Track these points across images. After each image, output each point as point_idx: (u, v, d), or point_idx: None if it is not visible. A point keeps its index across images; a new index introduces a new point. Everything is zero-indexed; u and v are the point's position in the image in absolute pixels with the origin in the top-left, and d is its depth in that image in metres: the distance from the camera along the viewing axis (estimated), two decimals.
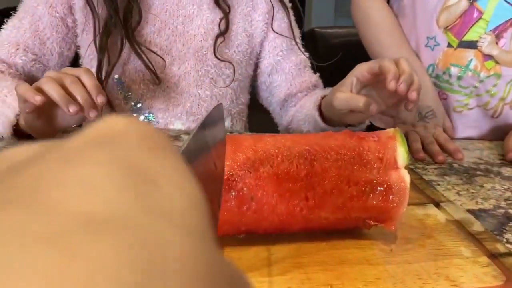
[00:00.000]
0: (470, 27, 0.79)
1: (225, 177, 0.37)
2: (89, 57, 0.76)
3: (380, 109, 0.60)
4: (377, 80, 0.58)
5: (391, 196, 0.36)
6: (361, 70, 0.58)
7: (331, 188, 0.36)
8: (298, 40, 0.87)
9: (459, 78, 0.81)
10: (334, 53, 0.86)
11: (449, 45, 0.81)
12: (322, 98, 0.70)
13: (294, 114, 0.82)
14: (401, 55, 0.81)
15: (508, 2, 0.77)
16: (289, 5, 0.86)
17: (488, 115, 0.83)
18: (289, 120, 0.83)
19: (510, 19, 0.78)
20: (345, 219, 0.38)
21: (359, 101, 0.56)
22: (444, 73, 0.82)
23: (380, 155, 0.37)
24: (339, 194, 0.36)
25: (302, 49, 0.86)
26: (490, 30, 0.78)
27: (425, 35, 0.83)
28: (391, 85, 0.53)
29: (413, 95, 0.54)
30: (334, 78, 0.91)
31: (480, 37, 0.79)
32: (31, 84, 0.67)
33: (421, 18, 0.84)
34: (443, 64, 0.82)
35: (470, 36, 0.80)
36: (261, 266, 0.35)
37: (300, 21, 0.91)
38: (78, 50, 0.78)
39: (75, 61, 0.80)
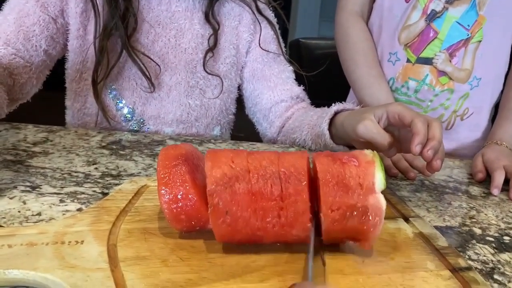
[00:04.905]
0: (427, 45, 0.87)
1: (203, 194, 0.40)
2: (82, 63, 0.77)
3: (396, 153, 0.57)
4: (403, 126, 0.55)
5: (368, 219, 0.39)
6: (395, 110, 0.55)
7: (303, 209, 0.39)
8: (284, 53, 0.88)
9: (416, 91, 0.89)
10: (318, 64, 0.89)
11: (408, 60, 0.89)
12: (335, 114, 0.68)
13: (282, 126, 0.84)
14: (371, 75, 0.88)
15: (461, 25, 0.85)
16: (274, 20, 0.89)
17: (443, 128, 0.89)
18: (276, 131, 0.85)
19: (462, 39, 0.86)
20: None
21: (386, 140, 0.54)
22: (403, 86, 0.90)
23: (361, 181, 0.40)
24: (324, 218, 0.39)
25: (287, 62, 0.88)
26: (444, 49, 0.86)
27: (388, 51, 0.90)
28: (416, 149, 0.51)
29: (437, 163, 0.53)
30: (318, 88, 0.94)
31: (435, 55, 0.86)
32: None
33: (385, 35, 0.90)
34: (402, 77, 0.89)
35: (426, 53, 0.87)
36: (242, 273, 0.38)
37: (285, 31, 0.94)
38: (66, 55, 0.79)
39: (59, 64, 0.81)
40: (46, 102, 1.10)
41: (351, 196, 0.39)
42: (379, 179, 0.40)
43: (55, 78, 0.81)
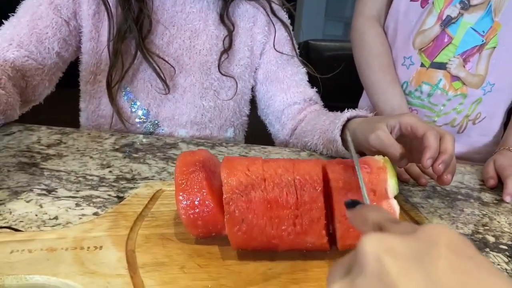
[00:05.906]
0: (441, 50, 0.87)
1: (219, 200, 0.40)
2: (96, 65, 0.77)
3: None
4: (415, 138, 0.54)
5: None
6: (407, 122, 0.54)
7: (318, 216, 0.39)
8: (298, 54, 0.88)
9: (429, 95, 0.89)
10: (327, 65, 0.88)
11: (422, 65, 0.88)
12: (347, 120, 0.67)
13: (295, 128, 0.83)
14: (386, 80, 0.87)
15: (476, 31, 0.84)
16: (288, 21, 0.89)
17: (454, 132, 0.90)
18: (288, 134, 0.85)
19: (476, 45, 0.85)
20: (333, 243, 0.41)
21: (398, 151, 0.53)
22: (416, 90, 0.90)
23: (373, 187, 0.40)
24: (339, 225, 0.39)
25: (301, 64, 0.88)
26: (458, 54, 0.86)
27: (402, 55, 0.90)
28: (427, 163, 0.50)
29: (448, 178, 0.52)
30: (330, 90, 0.94)
31: (449, 60, 0.86)
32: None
33: (400, 39, 0.90)
34: (416, 81, 0.89)
35: (440, 58, 0.87)
36: (259, 280, 0.38)
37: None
38: (80, 57, 0.79)
39: (72, 67, 0.81)
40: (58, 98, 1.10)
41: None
42: (391, 185, 0.40)
43: (67, 74, 0.81)
